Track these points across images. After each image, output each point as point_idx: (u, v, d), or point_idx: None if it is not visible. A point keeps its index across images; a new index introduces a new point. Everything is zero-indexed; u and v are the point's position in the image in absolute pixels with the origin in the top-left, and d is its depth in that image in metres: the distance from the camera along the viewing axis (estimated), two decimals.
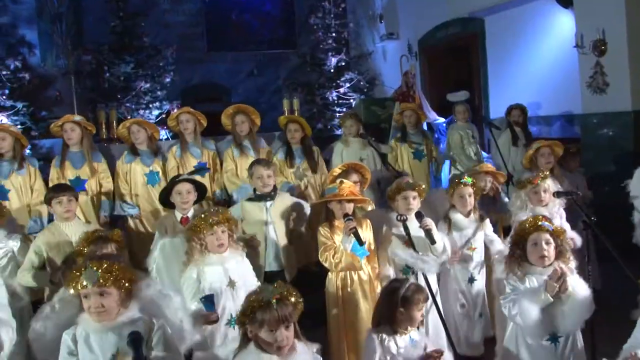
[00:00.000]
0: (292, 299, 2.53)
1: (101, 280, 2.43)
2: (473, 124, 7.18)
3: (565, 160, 5.60)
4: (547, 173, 4.53)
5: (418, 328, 3.17)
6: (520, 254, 3.22)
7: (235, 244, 3.67)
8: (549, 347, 3.11)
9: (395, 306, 3.03)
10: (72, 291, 2.47)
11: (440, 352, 3.05)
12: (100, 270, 2.44)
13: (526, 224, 3.26)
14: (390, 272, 3.91)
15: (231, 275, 3.55)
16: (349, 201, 3.90)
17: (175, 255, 3.85)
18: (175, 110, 6.26)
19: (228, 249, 3.60)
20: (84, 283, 2.41)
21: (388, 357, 3.02)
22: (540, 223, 3.22)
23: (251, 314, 2.50)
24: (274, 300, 2.48)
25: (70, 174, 5.31)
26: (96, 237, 3.56)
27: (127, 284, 2.52)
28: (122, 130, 5.67)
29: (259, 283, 3.70)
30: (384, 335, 3.04)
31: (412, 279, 3.41)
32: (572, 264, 3.28)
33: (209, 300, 3.27)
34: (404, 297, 3.03)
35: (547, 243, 3.15)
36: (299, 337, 2.61)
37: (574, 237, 4.09)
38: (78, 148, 5.39)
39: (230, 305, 3.48)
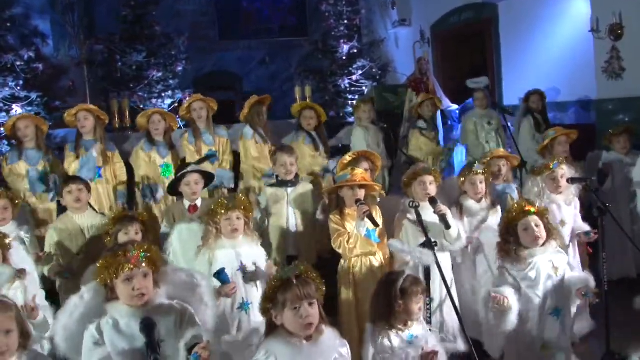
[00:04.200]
0: (313, 278, 2.53)
1: (144, 262, 2.45)
2: (493, 110, 7.10)
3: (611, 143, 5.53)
4: (562, 158, 4.50)
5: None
6: (514, 240, 3.36)
7: (250, 232, 3.69)
8: (552, 319, 3.29)
9: (394, 299, 2.93)
10: (108, 277, 2.45)
11: (434, 353, 2.92)
12: (143, 252, 2.47)
13: (513, 212, 3.41)
14: (407, 258, 3.81)
15: (243, 259, 3.57)
16: (361, 187, 3.90)
17: (192, 240, 3.87)
18: (187, 99, 6.22)
19: (242, 236, 3.62)
20: (131, 265, 2.41)
21: (382, 356, 2.93)
22: (525, 208, 3.38)
23: (273, 296, 2.49)
24: (294, 277, 2.47)
25: None
26: (122, 216, 3.60)
27: (159, 267, 2.55)
28: (142, 120, 5.65)
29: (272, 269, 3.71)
30: (379, 332, 2.96)
31: (409, 270, 3.39)
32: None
33: (222, 274, 3.33)
34: (402, 290, 2.94)
35: (537, 225, 3.31)
36: (325, 321, 2.57)
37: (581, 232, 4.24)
38: (91, 137, 5.40)
39: (242, 289, 3.50)
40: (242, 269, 3.55)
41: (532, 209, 3.36)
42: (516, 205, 3.44)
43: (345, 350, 2.62)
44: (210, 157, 5.50)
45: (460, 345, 3.74)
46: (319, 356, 2.49)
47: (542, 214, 3.39)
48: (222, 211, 3.57)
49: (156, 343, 2.27)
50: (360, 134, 6.31)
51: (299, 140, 5.71)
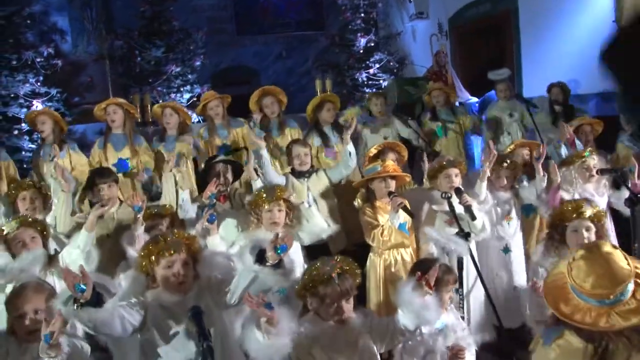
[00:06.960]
0: (352, 272, 2.56)
1: (184, 248, 2.52)
2: (516, 101, 7.04)
3: None
4: (593, 149, 4.47)
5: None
6: (558, 238, 3.23)
7: (291, 223, 3.69)
8: None
9: None
10: (149, 265, 2.50)
11: (462, 349, 2.85)
12: (183, 238, 2.53)
13: (568, 207, 3.25)
14: (434, 250, 3.82)
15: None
16: (392, 177, 3.88)
17: (230, 225, 3.87)
18: (202, 97, 6.18)
19: (282, 228, 3.60)
20: (172, 250, 2.48)
21: (410, 342, 2.91)
22: (581, 210, 3.20)
23: (312, 288, 2.53)
24: (336, 274, 2.49)
25: (111, 156, 5.30)
26: (150, 214, 3.64)
27: (199, 257, 2.61)
28: (157, 109, 5.69)
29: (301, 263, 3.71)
30: None
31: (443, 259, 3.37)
32: None
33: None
34: None
35: (588, 230, 3.16)
36: (356, 306, 2.63)
37: None
38: (121, 131, 5.37)
39: None
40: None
41: (589, 212, 3.20)
42: (574, 203, 3.29)
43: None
44: (230, 153, 5.45)
45: (486, 336, 3.74)
46: (347, 336, 2.54)
47: (598, 218, 3.22)
48: (264, 203, 3.58)
49: (207, 330, 2.29)
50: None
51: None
